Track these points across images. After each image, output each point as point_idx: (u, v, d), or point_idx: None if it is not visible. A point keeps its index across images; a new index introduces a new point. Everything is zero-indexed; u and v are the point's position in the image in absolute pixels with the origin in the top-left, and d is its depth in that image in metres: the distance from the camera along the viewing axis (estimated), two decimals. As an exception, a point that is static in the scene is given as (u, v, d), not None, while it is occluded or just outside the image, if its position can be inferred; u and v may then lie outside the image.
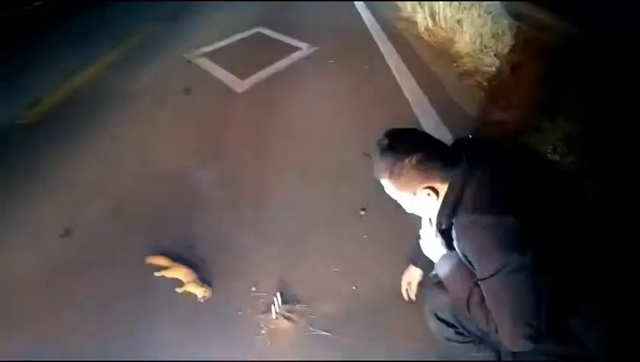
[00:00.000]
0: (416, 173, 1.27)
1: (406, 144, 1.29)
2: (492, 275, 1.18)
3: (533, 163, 1.44)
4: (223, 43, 5.65)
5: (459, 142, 1.40)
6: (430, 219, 1.42)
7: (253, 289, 2.23)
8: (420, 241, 1.49)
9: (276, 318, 2.06)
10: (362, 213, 2.62)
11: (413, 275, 1.86)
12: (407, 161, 1.26)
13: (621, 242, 1.64)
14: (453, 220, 1.27)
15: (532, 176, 1.34)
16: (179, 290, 2.22)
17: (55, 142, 3.65)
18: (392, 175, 1.29)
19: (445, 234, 1.36)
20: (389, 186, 1.34)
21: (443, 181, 1.29)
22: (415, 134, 1.34)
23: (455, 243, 1.29)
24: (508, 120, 3.30)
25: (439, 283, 1.47)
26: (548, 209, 1.27)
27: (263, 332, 2.02)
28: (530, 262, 1.16)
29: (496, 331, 1.23)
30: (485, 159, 1.30)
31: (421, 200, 1.32)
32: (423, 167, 1.27)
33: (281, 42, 5.59)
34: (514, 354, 1.33)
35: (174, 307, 2.17)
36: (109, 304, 2.22)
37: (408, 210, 1.41)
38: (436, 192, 1.30)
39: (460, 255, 1.29)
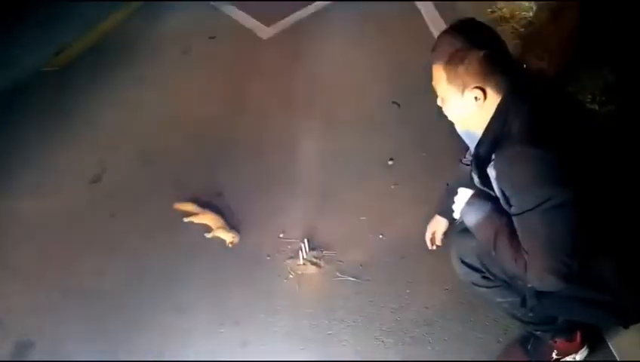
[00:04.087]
0: (477, 68, 1.19)
1: (481, 35, 1.22)
2: (531, 209, 1.14)
3: (575, 105, 1.38)
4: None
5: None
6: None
7: (281, 235, 2.26)
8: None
9: (303, 264, 2.10)
10: (390, 162, 2.59)
11: (439, 224, 1.84)
12: (475, 50, 1.19)
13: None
14: (494, 154, 1.21)
15: (575, 116, 1.29)
16: (208, 235, 2.27)
17: (83, 89, 3.69)
18: (452, 60, 1.21)
19: (481, 171, 1.30)
20: (439, 75, 1.25)
21: (497, 90, 1.22)
22: (492, 32, 1.25)
23: (493, 179, 1.23)
24: (545, 68, 3.16)
25: (465, 230, 1.44)
26: (590, 150, 1.22)
27: (291, 276, 2.07)
28: (571, 199, 1.12)
29: (525, 269, 1.20)
30: (534, 89, 1.25)
31: (465, 102, 1.25)
32: (486, 63, 1.19)
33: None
34: (539, 298, 1.32)
35: (203, 252, 2.23)
36: (138, 249, 2.28)
37: (445, 112, 1.34)
38: (484, 98, 1.22)
39: (497, 191, 1.24)
